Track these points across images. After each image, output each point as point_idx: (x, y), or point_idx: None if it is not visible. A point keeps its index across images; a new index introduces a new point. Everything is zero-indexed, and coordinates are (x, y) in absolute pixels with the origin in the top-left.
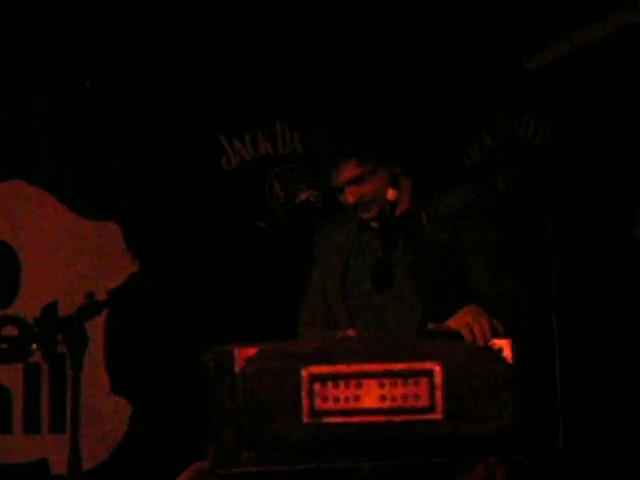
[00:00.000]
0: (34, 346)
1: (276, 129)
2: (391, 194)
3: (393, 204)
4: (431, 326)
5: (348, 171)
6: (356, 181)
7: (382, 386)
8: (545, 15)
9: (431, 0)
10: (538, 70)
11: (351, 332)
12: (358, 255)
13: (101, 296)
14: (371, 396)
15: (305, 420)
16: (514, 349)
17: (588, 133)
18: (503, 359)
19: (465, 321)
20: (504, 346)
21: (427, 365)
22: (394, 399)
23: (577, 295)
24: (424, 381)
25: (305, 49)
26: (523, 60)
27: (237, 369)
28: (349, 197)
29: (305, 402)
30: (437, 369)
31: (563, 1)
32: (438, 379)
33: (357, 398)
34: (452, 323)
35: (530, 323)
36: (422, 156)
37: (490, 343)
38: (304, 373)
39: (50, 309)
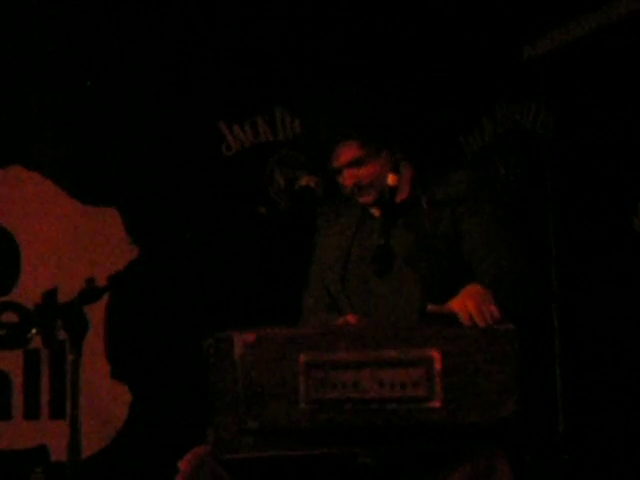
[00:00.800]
0: (34, 332)
1: (276, 115)
2: (392, 179)
3: (393, 189)
4: (430, 307)
5: (349, 152)
6: (356, 163)
7: (381, 373)
8: (545, 3)
9: None
10: (539, 58)
11: (351, 318)
12: (359, 242)
13: (101, 282)
14: (369, 383)
15: (303, 406)
16: (515, 337)
17: (589, 121)
18: (504, 347)
19: (465, 305)
20: (505, 333)
21: (426, 352)
22: (392, 386)
23: (577, 285)
24: (423, 369)
25: (305, 35)
26: (524, 48)
27: (236, 355)
28: (347, 179)
29: (303, 388)
30: (436, 356)
31: None
32: (437, 367)
33: (355, 385)
34: (453, 304)
35: (530, 307)
36: (423, 143)
37: (491, 329)
38: (302, 359)
39: (50, 295)
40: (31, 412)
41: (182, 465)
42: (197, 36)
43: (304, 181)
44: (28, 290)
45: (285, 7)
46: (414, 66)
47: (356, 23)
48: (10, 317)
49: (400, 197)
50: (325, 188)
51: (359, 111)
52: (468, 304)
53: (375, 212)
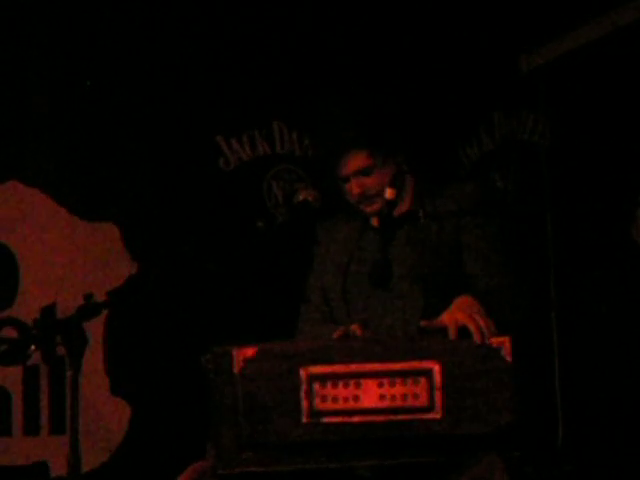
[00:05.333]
0: (33, 348)
1: (274, 129)
2: (389, 193)
3: (391, 203)
4: (423, 323)
5: (358, 161)
6: (364, 172)
7: (381, 386)
8: (542, 14)
9: (429, 1)
10: (536, 69)
11: (355, 326)
12: (359, 254)
13: (100, 297)
14: (370, 396)
15: (304, 420)
16: (513, 348)
17: (586, 132)
18: (502, 358)
19: (455, 319)
20: (503, 344)
21: (426, 364)
22: (393, 399)
23: (576, 294)
24: (423, 380)
25: (302, 49)
26: (520, 59)
27: (236, 370)
28: (354, 188)
29: (304, 402)
30: (436, 368)
31: (560, 0)
32: (437, 378)
33: (356, 398)
34: (444, 318)
35: (522, 319)
36: (425, 155)
37: (489, 341)
38: (303, 373)
39: (49, 310)
40: (31, 428)
41: None
42: (194, 51)
43: (302, 195)
44: (27, 306)
45: (283, 21)
46: (411, 77)
47: (353, 37)
48: (9, 333)
49: (401, 210)
50: (324, 202)
51: (369, 119)
52: (459, 317)
53: (375, 222)
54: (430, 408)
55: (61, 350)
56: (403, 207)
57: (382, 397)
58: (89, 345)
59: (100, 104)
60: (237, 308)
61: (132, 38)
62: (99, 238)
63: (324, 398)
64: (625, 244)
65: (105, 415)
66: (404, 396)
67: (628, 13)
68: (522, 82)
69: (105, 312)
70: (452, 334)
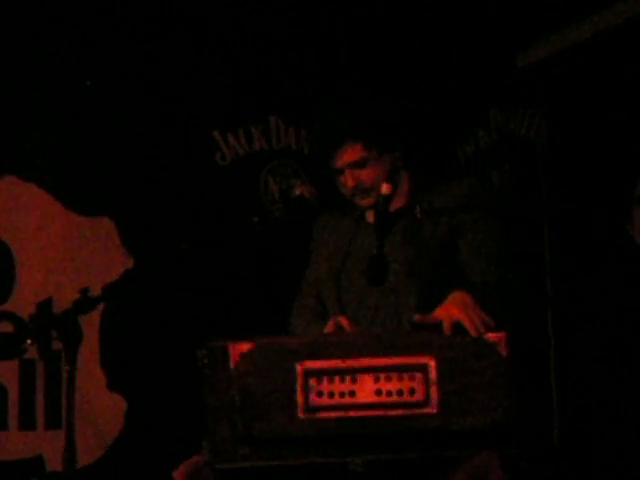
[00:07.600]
0: (29, 342)
1: (270, 124)
2: (385, 188)
3: (387, 198)
4: (417, 318)
5: (353, 153)
6: (358, 165)
7: (377, 381)
8: (538, 11)
9: None
10: (532, 66)
11: (343, 320)
12: (354, 251)
13: (96, 292)
14: (366, 391)
15: (300, 415)
16: (509, 343)
17: (582, 128)
18: (499, 353)
19: (449, 313)
20: (499, 340)
21: (422, 360)
22: (389, 394)
23: (572, 292)
24: (419, 376)
25: (299, 45)
26: (517, 56)
27: (232, 364)
28: (348, 180)
29: (300, 397)
30: (432, 364)
31: None
32: (433, 374)
33: (352, 393)
34: (438, 313)
35: (520, 315)
36: (421, 151)
37: (485, 336)
38: (299, 368)
39: (45, 305)
40: (27, 422)
41: (177, 475)
42: (191, 46)
43: (298, 190)
44: (23, 300)
45: (280, 16)
46: (407, 73)
47: (350, 33)
48: (5, 327)
49: (396, 205)
50: (320, 198)
51: (365, 113)
52: (453, 312)
53: (371, 217)
54: (426, 403)
55: (57, 344)
56: (399, 203)
57: (378, 392)
58: (85, 339)
59: (96, 99)
60: (233, 303)
61: (129, 34)
62: (95, 233)
63: (320, 393)
64: (621, 240)
65: (101, 409)
66: (400, 391)
67: (625, 10)
68: (518, 79)
69: (101, 307)
70: (447, 329)
